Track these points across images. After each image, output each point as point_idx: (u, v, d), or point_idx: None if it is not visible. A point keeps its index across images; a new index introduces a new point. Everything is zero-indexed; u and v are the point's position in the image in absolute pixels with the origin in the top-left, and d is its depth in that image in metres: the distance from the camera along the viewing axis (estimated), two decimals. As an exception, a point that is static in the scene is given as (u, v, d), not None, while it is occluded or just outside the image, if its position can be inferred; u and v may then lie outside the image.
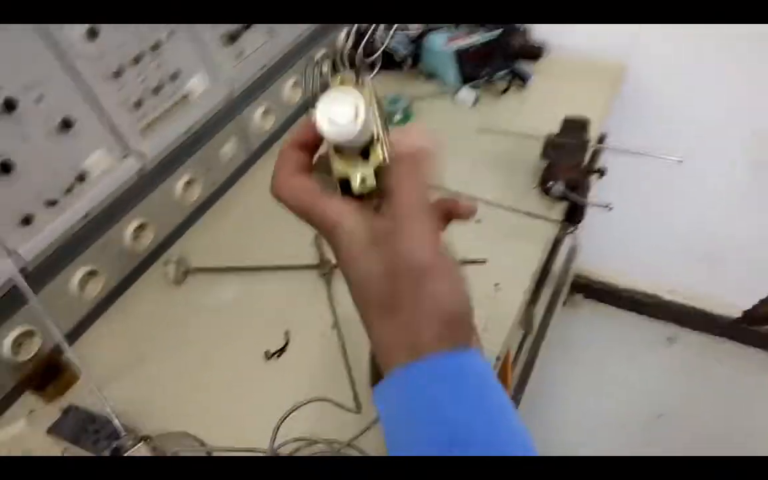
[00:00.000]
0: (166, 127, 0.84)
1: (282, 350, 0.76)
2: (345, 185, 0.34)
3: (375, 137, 0.34)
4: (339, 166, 0.34)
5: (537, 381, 1.29)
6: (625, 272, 1.68)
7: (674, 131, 1.25)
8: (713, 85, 1.18)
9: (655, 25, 1.15)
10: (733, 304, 1.53)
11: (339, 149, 0.34)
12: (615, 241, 1.56)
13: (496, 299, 0.77)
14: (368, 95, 0.33)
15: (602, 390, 1.57)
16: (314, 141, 0.36)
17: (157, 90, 0.82)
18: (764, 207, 1.32)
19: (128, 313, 0.85)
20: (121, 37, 0.78)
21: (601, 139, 1.16)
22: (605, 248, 1.60)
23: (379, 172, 0.34)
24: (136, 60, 0.80)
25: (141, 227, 0.84)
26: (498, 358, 0.71)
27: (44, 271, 0.74)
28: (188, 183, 0.91)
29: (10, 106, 0.66)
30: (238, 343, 0.78)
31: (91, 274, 0.78)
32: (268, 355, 0.75)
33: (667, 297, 1.63)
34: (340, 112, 0.32)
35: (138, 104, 0.80)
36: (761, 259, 1.39)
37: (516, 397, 1.14)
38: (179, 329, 0.81)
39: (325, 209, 0.34)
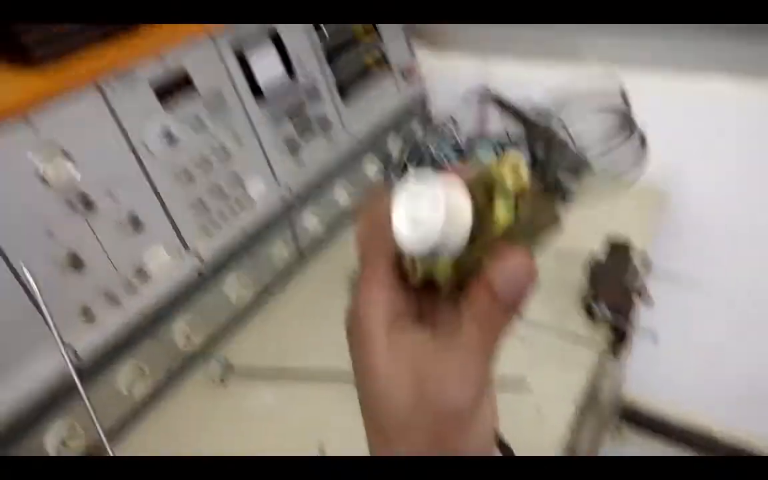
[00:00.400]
0: (224, 228, 0.89)
1: (317, 464, 0.74)
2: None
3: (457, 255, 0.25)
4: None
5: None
6: (674, 403, 1.59)
7: (725, 262, 1.23)
8: (762, 222, 1.17)
9: (699, 158, 1.16)
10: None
11: None
12: (663, 370, 1.49)
13: (538, 427, 0.74)
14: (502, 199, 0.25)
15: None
16: None
17: (220, 192, 0.88)
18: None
19: (171, 414, 0.85)
20: (195, 143, 0.85)
21: (646, 264, 1.15)
22: (653, 377, 1.53)
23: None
24: (206, 162, 0.86)
25: (191, 326, 0.86)
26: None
27: (95, 367, 0.75)
28: (239, 284, 0.94)
29: (87, 204, 0.72)
30: (273, 454, 0.77)
31: (140, 372, 0.80)
32: (303, 468, 0.74)
33: (719, 434, 1.53)
34: (420, 217, 0.23)
35: (202, 206, 0.86)
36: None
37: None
38: (218, 434, 0.81)
39: (369, 277, 0.27)
